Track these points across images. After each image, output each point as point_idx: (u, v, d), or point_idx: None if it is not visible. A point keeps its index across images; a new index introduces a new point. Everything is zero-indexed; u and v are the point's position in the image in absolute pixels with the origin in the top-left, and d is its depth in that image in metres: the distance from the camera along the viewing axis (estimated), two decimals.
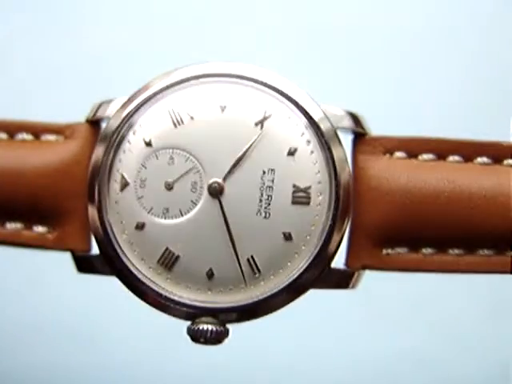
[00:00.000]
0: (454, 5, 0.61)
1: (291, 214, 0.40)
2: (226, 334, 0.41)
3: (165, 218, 0.41)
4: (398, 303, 0.45)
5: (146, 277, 0.41)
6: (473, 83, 0.56)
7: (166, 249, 0.41)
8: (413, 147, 0.42)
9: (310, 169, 0.40)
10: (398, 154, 0.42)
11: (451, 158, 0.42)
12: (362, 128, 0.42)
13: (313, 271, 0.40)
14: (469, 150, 0.41)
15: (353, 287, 0.42)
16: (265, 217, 0.40)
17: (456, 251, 0.41)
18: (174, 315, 0.41)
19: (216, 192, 0.40)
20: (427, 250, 0.41)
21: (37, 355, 0.45)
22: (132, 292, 0.41)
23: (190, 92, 0.41)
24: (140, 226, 0.41)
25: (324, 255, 0.40)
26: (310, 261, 0.40)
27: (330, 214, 0.40)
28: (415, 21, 0.60)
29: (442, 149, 0.42)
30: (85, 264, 0.43)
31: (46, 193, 0.42)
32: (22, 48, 0.55)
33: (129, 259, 0.41)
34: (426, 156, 0.42)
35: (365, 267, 0.42)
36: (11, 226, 0.43)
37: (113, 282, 0.41)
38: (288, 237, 0.40)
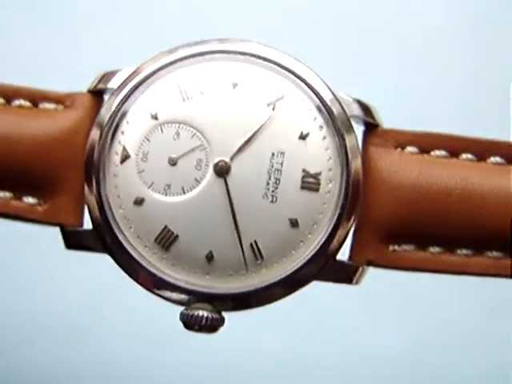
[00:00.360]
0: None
1: (299, 200, 0.39)
2: (221, 322, 0.39)
3: (165, 195, 0.39)
4: (396, 303, 0.43)
5: (141, 255, 0.39)
6: (475, 82, 0.56)
7: (165, 227, 0.38)
8: (425, 143, 0.41)
9: (321, 154, 0.39)
10: (410, 148, 0.41)
11: (464, 156, 0.40)
12: (373, 119, 0.41)
13: (317, 262, 0.39)
14: (482, 149, 0.40)
15: (356, 283, 0.40)
16: (272, 201, 0.38)
17: (464, 251, 0.40)
18: (167, 299, 0.39)
19: (222, 171, 0.38)
20: (435, 249, 0.40)
21: (38, 352, 0.43)
22: (123, 271, 0.39)
23: (200, 67, 0.40)
24: (138, 202, 0.39)
25: (330, 246, 0.39)
26: (315, 251, 0.38)
27: (339, 203, 0.39)
28: (420, 18, 0.59)
29: (454, 146, 0.40)
30: (74, 239, 0.40)
31: (40, 161, 0.40)
32: (21, 47, 0.53)
33: (124, 235, 0.39)
34: (438, 152, 0.41)
35: (369, 263, 0.40)
36: (0, 194, 0.40)
37: (114, 276, 0.39)
38: (294, 223, 0.38)
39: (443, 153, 0.41)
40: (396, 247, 0.40)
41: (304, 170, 0.39)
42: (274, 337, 0.43)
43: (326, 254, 0.39)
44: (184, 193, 0.39)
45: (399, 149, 0.41)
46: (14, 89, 0.41)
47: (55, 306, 0.44)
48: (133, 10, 0.61)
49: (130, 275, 0.39)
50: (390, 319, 0.43)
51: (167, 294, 0.39)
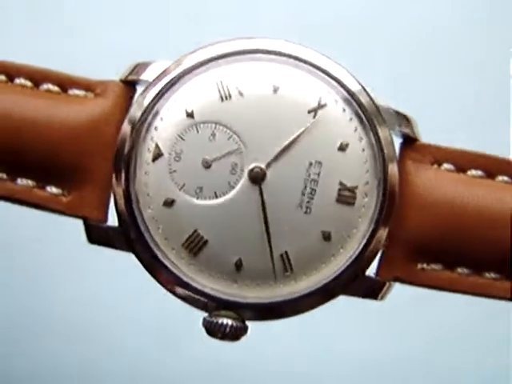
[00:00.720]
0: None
1: (334, 213, 0.38)
2: (244, 330, 0.38)
3: (197, 198, 0.37)
4: (396, 303, 0.43)
5: (168, 258, 0.37)
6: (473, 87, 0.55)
7: (195, 231, 0.37)
8: (462, 161, 0.40)
9: (359, 167, 0.38)
10: (447, 165, 0.40)
11: (500, 178, 0.40)
12: (412, 132, 0.40)
13: (347, 277, 0.38)
14: None
15: (381, 299, 0.40)
16: (305, 212, 0.37)
17: (492, 275, 0.39)
18: (192, 304, 0.38)
19: (257, 178, 0.37)
20: (463, 270, 0.39)
21: (39, 352, 0.42)
22: (148, 272, 0.38)
23: (241, 66, 0.38)
24: (169, 203, 0.37)
25: (361, 262, 0.38)
26: (346, 266, 0.38)
27: (373, 218, 0.38)
28: (418, 20, 0.58)
29: (491, 167, 0.40)
30: (98, 234, 0.39)
31: (68, 149, 0.38)
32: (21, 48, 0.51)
33: (151, 236, 0.37)
34: (474, 172, 0.40)
35: (396, 279, 0.40)
36: (23, 182, 0.39)
37: (113, 275, 0.38)
38: (327, 237, 0.37)
39: (479, 173, 0.40)
40: (424, 265, 0.39)
41: (341, 183, 0.38)
42: (271, 336, 0.42)
43: (356, 269, 0.38)
44: (216, 197, 0.37)
45: (436, 165, 0.40)
46: (42, 72, 0.39)
47: (55, 306, 0.43)
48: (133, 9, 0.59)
49: (156, 279, 0.38)
50: (388, 320, 0.43)
51: (191, 299, 0.38)
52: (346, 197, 0.38)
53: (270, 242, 0.37)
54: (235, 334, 0.38)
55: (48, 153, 0.38)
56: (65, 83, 0.39)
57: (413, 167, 0.39)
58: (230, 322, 0.37)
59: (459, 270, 0.39)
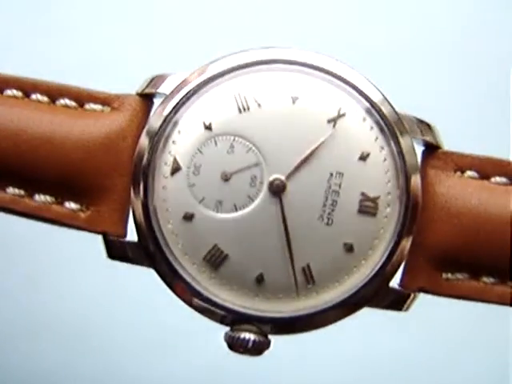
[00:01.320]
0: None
1: (355, 224, 0.37)
2: (267, 345, 0.37)
3: (217, 212, 0.37)
4: None
5: (188, 273, 0.37)
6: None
7: (215, 245, 0.37)
8: (486, 168, 0.39)
9: (381, 177, 0.37)
10: (470, 173, 0.39)
11: None
12: (435, 140, 0.39)
13: (370, 289, 0.37)
14: None
15: (406, 310, 0.39)
16: (327, 223, 0.37)
17: None
18: (212, 318, 0.38)
19: (278, 190, 0.37)
20: (489, 279, 0.39)
21: (38, 355, 0.42)
22: (169, 287, 0.38)
23: (259, 77, 0.38)
24: (188, 217, 0.37)
25: (384, 273, 0.37)
26: (369, 278, 0.37)
27: (396, 229, 0.37)
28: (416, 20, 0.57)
29: None
30: (117, 250, 0.38)
31: (85, 166, 0.38)
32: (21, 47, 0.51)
33: (171, 251, 0.37)
34: (498, 179, 0.39)
35: (421, 290, 0.39)
36: (40, 198, 0.38)
37: (111, 277, 0.38)
38: (349, 248, 0.37)
39: (504, 180, 0.39)
40: (449, 275, 0.39)
41: (363, 194, 0.37)
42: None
43: (379, 281, 0.37)
44: (236, 210, 0.37)
45: (459, 172, 0.39)
46: (59, 87, 0.39)
47: (52, 306, 0.43)
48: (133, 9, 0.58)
49: (177, 294, 0.37)
50: (388, 319, 0.43)
51: (213, 314, 0.37)
52: (368, 207, 0.37)
53: (291, 254, 0.37)
54: (258, 348, 0.37)
55: (64, 170, 0.38)
56: (81, 98, 0.39)
57: (435, 176, 0.39)
58: (252, 336, 0.37)
59: (485, 279, 0.39)
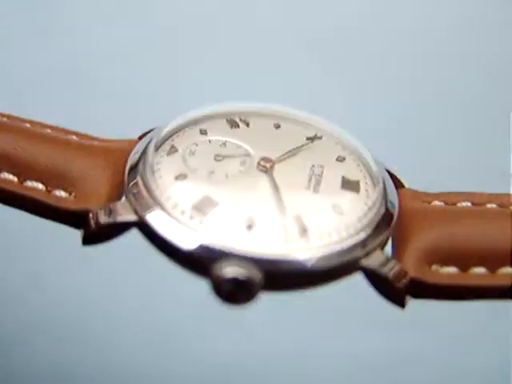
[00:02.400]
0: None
1: (341, 194, 0.39)
2: (257, 288, 0.35)
3: (209, 178, 0.39)
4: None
5: (177, 219, 0.37)
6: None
7: (206, 196, 0.38)
8: (451, 199, 0.43)
9: (359, 172, 0.41)
10: (437, 202, 0.43)
11: (488, 206, 0.42)
12: (401, 182, 0.44)
13: (361, 251, 0.37)
14: (503, 201, 0.42)
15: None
16: (314, 191, 0.39)
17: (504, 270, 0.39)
18: (200, 260, 0.35)
19: (266, 167, 0.40)
20: (479, 270, 0.39)
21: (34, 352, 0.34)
22: (152, 238, 0.37)
23: (248, 105, 0.44)
24: (181, 177, 0.39)
25: (373, 242, 0.38)
26: (361, 239, 0.37)
27: (380, 208, 0.39)
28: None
29: (478, 200, 0.43)
30: (104, 217, 0.38)
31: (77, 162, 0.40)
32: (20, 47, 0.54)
33: (162, 205, 0.37)
34: (464, 204, 0.43)
35: (412, 280, 0.38)
36: (32, 184, 0.40)
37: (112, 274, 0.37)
38: (339, 211, 0.38)
39: (468, 204, 0.43)
40: (438, 267, 0.39)
41: (343, 177, 0.40)
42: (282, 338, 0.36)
43: (367, 247, 0.37)
44: (227, 179, 0.39)
45: (426, 203, 0.43)
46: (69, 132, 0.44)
47: (52, 303, 0.36)
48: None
49: (162, 241, 0.36)
50: (387, 318, 0.38)
51: (201, 257, 0.35)
52: (351, 184, 0.40)
53: (282, 204, 0.37)
54: (248, 289, 0.34)
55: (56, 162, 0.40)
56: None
57: (409, 197, 0.42)
58: (242, 272, 0.34)
59: (474, 269, 0.39)
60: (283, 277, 0.36)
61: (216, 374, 0.34)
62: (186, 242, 0.36)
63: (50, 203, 0.39)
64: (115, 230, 0.38)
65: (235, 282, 0.34)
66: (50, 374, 0.35)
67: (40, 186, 0.40)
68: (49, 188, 0.40)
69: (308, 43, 0.55)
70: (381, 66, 0.55)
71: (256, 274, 0.35)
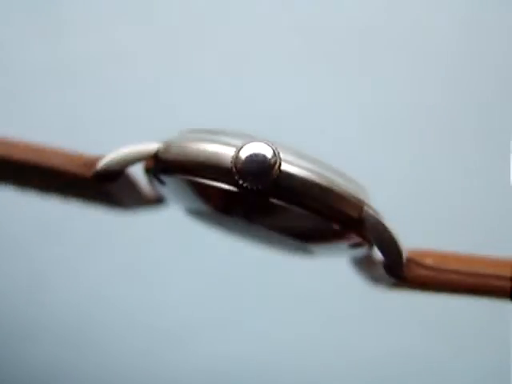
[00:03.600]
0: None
1: None
2: (278, 167, 0.31)
3: None
4: (395, 301, 0.40)
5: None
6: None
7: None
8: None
9: None
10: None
11: None
12: None
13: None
14: None
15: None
16: None
17: None
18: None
19: None
20: None
21: (37, 354, 0.34)
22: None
23: None
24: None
25: None
26: None
27: None
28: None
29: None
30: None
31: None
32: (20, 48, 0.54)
33: None
34: None
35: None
36: None
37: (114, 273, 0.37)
38: None
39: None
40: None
41: None
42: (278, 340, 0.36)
43: None
44: None
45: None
46: None
47: (55, 304, 0.36)
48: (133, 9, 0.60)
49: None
50: (387, 318, 0.38)
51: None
52: None
53: None
54: (268, 165, 0.31)
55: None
56: None
57: None
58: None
59: None
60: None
61: (216, 374, 0.35)
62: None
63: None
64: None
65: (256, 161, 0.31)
66: (51, 374, 0.35)
67: None
68: None
69: (308, 44, 0.55)
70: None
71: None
